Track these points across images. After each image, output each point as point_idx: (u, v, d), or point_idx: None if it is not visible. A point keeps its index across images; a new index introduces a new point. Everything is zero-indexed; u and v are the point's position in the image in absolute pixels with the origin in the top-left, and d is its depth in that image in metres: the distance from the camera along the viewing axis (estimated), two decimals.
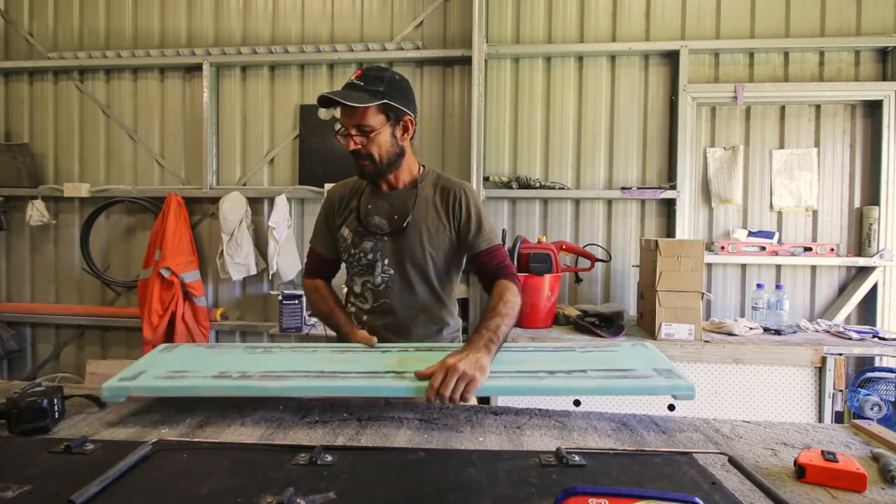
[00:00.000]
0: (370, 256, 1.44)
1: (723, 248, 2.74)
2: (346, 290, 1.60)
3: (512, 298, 1.29)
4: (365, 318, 1.48)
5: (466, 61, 2.84)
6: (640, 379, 0.94)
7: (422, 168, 1.50)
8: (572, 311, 2.55)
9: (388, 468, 0.79)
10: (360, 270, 1.46)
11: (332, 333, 1.54)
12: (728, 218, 2.85)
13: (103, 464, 0.76)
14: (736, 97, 2.71)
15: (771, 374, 2.18)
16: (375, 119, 1.32)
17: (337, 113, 3.05)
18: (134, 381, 0.98)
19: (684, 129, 2.74)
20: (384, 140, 1.35)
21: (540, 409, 1.07)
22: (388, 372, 1.01)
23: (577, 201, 2.91)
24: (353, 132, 1.32)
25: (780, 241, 2.77)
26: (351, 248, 1.46)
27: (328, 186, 2.90)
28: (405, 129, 1.39)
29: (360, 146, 1.33)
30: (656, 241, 2.24)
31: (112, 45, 3.17)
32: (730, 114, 2.82)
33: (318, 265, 1.58)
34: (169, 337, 2.86)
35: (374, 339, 1.32)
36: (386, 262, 1.43)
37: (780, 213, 2.80)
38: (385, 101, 1.30)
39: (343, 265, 1.58)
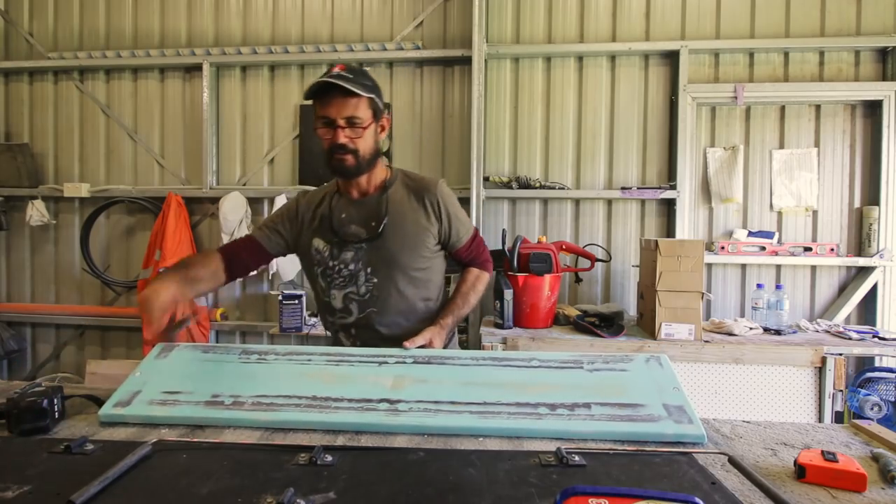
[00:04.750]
0: (352, 266, 1.39)
1: (723, 248, 2.74)
2: (318, 309, 1.52)
3: (481, 287, 1.53)
4: (353, 330, 1.42)
5: (466, 61, 2.84)
6: (646, 423, 0.92)
7: (389, 170, 1.48)
8: (572, 311, 2.55)
9: (388, 468, 0.79)
10: (341, 283, 1.40)
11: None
12: (728, 218, 2.85)
13: (103, 464, 0.75)
14: (736, 97, 2.71)
15: (771, 374, 2.18)
16: (366, 113, 1.31)
17: None
18: (128, 406, 1.00)
19: (684, 129, 2.74)
20: (370, 136, 1.34)
21: None
22: (381, 400, 1.00)
23: (577, 201, 2.91)
24: (343, 124, 1.29)
25: (780, 241, 2.77)
26: (329, 259, 1.41)
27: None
28: (382, 129, 1.39)
29: (348, 139, 1.30)
30: (656, 241, 2.24)
31: (112, 45, 3.17)
32: (730, 114, 2.82)
33: (244, 250, 1.45)
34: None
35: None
36: (369, 270, 1.39)
37: (780, 213, 2.80)
38: (373, 96, 1.31)
39: (308, 281, 1.50)
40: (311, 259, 1.44)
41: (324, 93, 1.28)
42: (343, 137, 1.30)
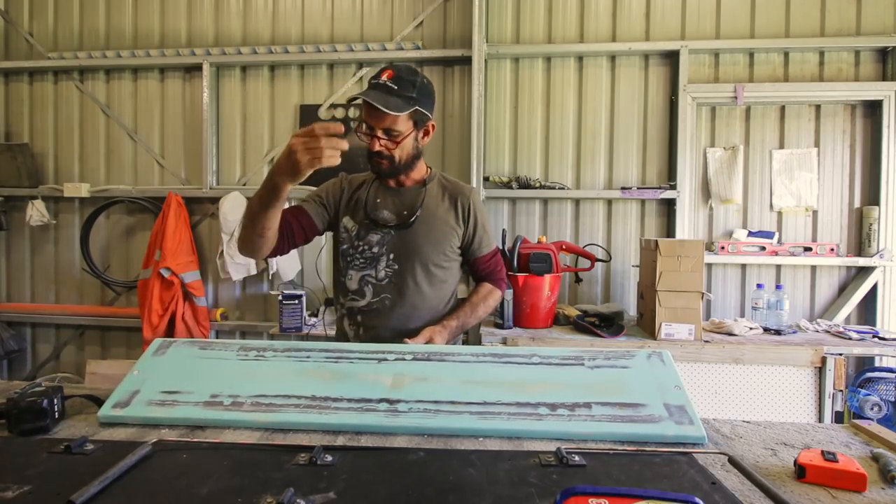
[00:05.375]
0: (375, 250, 1.43)
1: (723, 248, 2.74)
2: (334, 291, 1.56)
3: (491, 303, 1.54)
4: (359, 317, 1.45)
5: (466, 61, 2.84)
6: (647, 424, 0.92)
7: (429, 169, 1.53)
8: (572, 311, 2.55)
9: (388, 468, 0.79)
10: (362, 264, 1.44)
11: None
12: (728, 218, 2.85)
13: (103, 464, 0.76)
14: (736, 97, 2.71)
15: (771, 374, 2.18)
16: (405, 125, 1.34)
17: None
18: (127, 407, 1.00)
19: (684, 129, 2.74)
20: (407, 144, 1.38)
21: None
22: (381, 400, 1.00)
23: (577, 201, 2.91)
24: (380, 134, 1.33)
25: (780, 241, 2.77)
26: (355, 239, 1.45)
27: None
28: (426, 133, 1.43)
29: (384, 148, 1.35)
30: (656, 241, 2.24)
31: (112, 45, 3.17)
32: (730, 114, 2.82)
33: (294, 217, 1.43)
34: (169, 337, 2.86)
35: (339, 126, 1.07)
36: (391, 256, 1.43)
37: (780, 213, 2.80)
38: (416, 107, 1.32)
39: (332, 261, 1.54)
40: (338, 237, 1.49)
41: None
42: (378, 146, 1.34)
